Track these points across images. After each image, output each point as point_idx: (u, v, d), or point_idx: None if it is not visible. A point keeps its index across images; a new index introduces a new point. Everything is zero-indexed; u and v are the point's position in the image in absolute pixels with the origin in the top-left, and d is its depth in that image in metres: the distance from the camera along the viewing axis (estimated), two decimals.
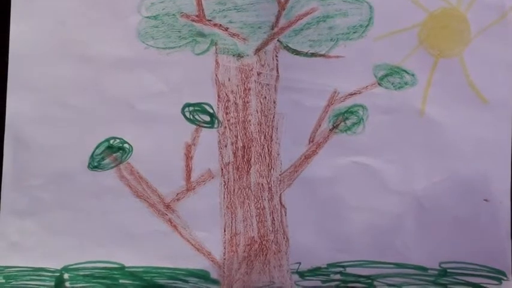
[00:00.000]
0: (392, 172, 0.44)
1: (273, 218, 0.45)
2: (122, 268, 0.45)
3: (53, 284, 0.45)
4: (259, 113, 0.45)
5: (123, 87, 0.44)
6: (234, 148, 0.45)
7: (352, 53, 0.44)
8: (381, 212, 0.45)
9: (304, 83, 0.44)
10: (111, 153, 0.45)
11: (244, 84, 0.45)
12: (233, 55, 0.44)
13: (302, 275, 0.45)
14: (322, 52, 0.44)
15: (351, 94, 0.44)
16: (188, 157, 0.45)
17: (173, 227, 0.45)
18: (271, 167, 0.45)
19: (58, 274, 0.45)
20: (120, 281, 0.45)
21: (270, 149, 0.45)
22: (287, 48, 0.44)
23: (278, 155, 0.45)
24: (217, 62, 0.44)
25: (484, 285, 0.45)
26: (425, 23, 0.44)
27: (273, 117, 0.45)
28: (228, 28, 0.44)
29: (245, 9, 0.44)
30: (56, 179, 0.44)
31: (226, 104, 0.45)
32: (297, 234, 0.45)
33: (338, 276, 0.45)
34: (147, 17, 0.44)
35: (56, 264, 0.45)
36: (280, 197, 0.45)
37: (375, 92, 0.44)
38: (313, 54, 0.44)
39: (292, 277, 0.45)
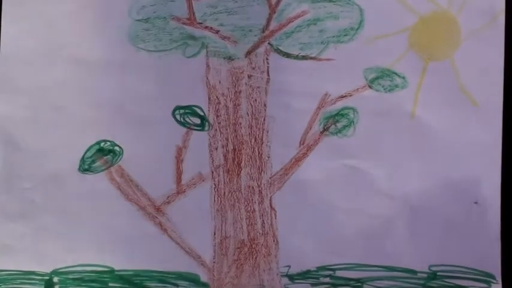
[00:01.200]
0: (383, 175, 0.44)
1: (263, 221, 0.45)
2: (112, 271, 0.45)
3: (42, 287, 0.44)
4: (249, 116, 0.45)
5: (114, 90, 0.44)
6: (225, 151, 0.45)
7: (343, 55, 0.44)
8: (371, 214, 0.45)
9: (294, 85, 0.44)
10: (102, 156, 0.44)
11: (235, 86, 0.44)
12: (224, 58, 0.44)
13: (292, 278, 0.45)
14: (313, 55, 0.44)
15: (342, 97, 0.44)
16: (179, 160, 0.44)
17: (163, 230, 0.45)
18: (262, 170, 0.45)
19: (47, 278, 0.44)
20: (110, 284, 0.45)
21: (261, 152, 0.45)
22: (278, 51, 0.44)
23: (268, 157, 0.45)
24: (208, 65, 0.44)
25: None
26: (416, 26, 0.44)
27: (264, 119, 0.44)
28: (218, 31, 0.44)
29: (236, 12, 0.44)
30: (47, 182, 0.44)
31: (216, 107, 0.44)
32: (287, 237, 0.45)
33: (328, 279, 0.45)
34: (138, 20, 0.44)
35: (46, 268, 0.44)
36: (270, 200, 0.45)
37: (365, 95, 0.44)
38: (303, 57, 0.44)
39: (281, 280, 0.45)
